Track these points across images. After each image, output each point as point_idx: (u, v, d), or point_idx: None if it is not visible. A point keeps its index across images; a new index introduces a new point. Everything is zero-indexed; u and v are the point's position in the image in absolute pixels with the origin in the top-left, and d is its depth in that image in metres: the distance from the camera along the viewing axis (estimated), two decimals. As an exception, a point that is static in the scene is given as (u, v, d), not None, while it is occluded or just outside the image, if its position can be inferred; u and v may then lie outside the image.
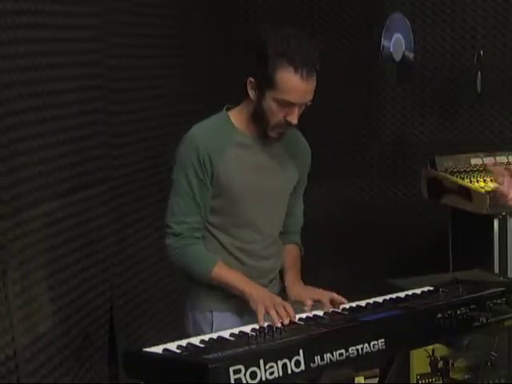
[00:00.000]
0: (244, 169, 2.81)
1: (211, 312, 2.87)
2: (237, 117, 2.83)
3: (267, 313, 2.63)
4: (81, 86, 3.46)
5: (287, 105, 2.68)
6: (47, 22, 3.14)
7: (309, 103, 2.74)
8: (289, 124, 2.72)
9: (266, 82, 2.67)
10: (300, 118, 2.74)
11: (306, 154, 2.98)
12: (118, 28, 3.82)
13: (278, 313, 2.62)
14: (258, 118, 2.74)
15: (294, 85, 2.66)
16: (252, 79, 2.73)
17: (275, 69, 2.65)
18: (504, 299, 2.95)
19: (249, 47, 2.79)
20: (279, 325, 2.59)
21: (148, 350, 2.46)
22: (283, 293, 2.92)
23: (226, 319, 2.84)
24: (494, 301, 2.92)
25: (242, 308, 2.81)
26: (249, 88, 2.74)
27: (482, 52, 4.95)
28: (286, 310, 2.63)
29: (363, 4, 5.04)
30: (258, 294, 2.71)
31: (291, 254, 3.01)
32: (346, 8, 5.04)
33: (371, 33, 5.05)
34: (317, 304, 2.79)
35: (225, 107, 2.87)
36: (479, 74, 4.89)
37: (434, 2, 5.01)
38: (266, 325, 2.61)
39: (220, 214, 2.83)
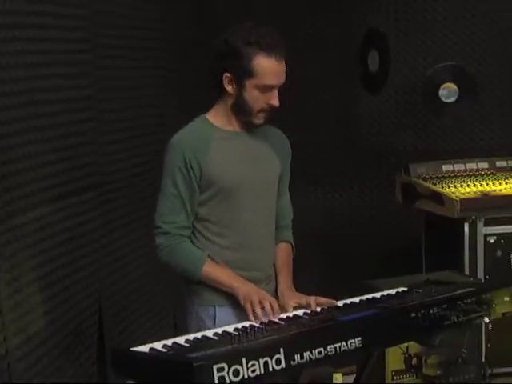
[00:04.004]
0: (230, 159, 2.83)
1: (214, 307, 2.86)
2: (214, 117, 2.87)
3: (253, 309, 2.63)
4: (71, 96, 3.46)
5: (267, 89, 2.74)
6: (38, 34, 3.13)
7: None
8: (272, 106, 2.77)
9: (244, 73, 2.72)
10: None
11: (285, 144, 3.00)
12: (106, 40, 3.82)
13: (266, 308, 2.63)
14: (241, 109, 2.78)
15: (270, 68, 2.72)
16: (228, 74, 2.75)
17: (250, 58, 2.70)
18: (474, 299, 2.95)
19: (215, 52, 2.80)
20: (265, 320, 2.60)
21: (135, 349, 2.45)
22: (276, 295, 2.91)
23: (228, 313, 2.83)
24: (465, 300, 2.91)
25: None
26: (225, 84, 2.77)
27: (450, 63, 4.99)
28: (271, 306, 2.64)
29: (344, 18, 5.04)
30: (245, 290, 2.71)
31: (283, 254, 3.00)
32: (328, 21, 5.03)
33: (350, 45, 5.05)
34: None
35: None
36: (444, 84, 4.93)
37: (408, 18, 5.03)
38: (248, 324, 2.62)
39: (213, 205, 2.83)
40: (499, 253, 4.34)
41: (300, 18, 4.97)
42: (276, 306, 2.65)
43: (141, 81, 4.23)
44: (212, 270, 2.79)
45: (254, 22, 2.78)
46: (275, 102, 2.76)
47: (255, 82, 2.72)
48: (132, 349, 2.45)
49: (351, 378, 3.01)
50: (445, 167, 4.76)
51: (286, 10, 4.90)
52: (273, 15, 4.65)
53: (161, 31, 4.47)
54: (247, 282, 2.78)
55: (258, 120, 2.81)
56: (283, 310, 2.76)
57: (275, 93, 2.75)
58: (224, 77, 2.76)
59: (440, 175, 4.69)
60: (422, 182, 4.61)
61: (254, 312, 2.65)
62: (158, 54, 4.47)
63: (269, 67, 2.72)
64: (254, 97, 2.74)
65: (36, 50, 3.10)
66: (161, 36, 4.46)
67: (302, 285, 2.92)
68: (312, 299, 2.78)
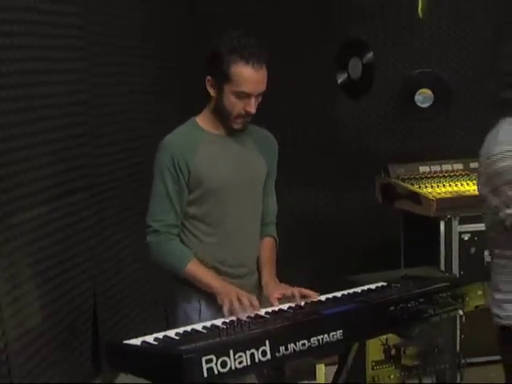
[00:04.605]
0: (218, 161, 2.83)
1: (199, 302, 2.85)
2: (203, 120, 2.87)
3: (230, 305, 2.63)
4: (67, 101, 3.45)
5: (244, 96, 2.73)
6: (36, 42, 3.12)
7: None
8: (248, 114, 2.77)
9: (223, 78, 2.73)
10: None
11: (272, 144, 3.00)
12: (101, 48, 3.81)
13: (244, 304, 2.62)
14: (221, 112, 2.79)
15: (248, 75, 2.72)
16: (210, 77, 2.78)
17: (229, 64, 2.71)
18: (449, 293, 2.96)
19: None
20: (243, 315, 2.59)
21: (128, 342, 2.44)
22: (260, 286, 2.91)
23: (212, 308, 2.81)
24: (441, 294, 2.92)
25: None
26: (208, 86, 2.79)
27: (425, 70, 5.01)
28: (250, 302, 2.63)
29: (328, 27, 5.03)
30: (225, 290, 2.70)
31: (267, 248, 2.98)
32: (313, 31, 5.03)
33: (333, 53, 5.05)
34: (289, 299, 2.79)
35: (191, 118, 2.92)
36: (420, 90, 4.95)
37: (388, 27, 5.04)
38: (234, 318, 2.61)
39: (201, 205, 2.83)
40: (473, 249, 4.35)
41: (286, 29, 4.95)
42: (255, 302, 2.65)
43: (133, 87, 4.23)
44: (195, 269, 2.78)
45: (241, 32, 2.77)
46: (251, 109, 2.75)
47: (232, 87, 2.73)
48: (125, 342, 2.45)
49: (333, 368, 3.01)
50: (422, 168, 4.77)
51: (272, 20, 4.89)
52: (259, 24, 4.63)
53: (151, 40, 4.46)
54: (227, 283, 2.77)
55: (237, 125, 2.81)
56: (268, 300, 2.77)
57: (252, 100, 2.74)
58: (207, 80, 2.78)
59: (417, 176, 4.70)
60: (401, 182, 4.61)
61: (229, 308, 2.64)
62: (149, 61, 4.46)
63: (246, 75, 2.72)
64: (231, 102, 2.75)
65: (34, 57, 3.10)
66: (152, 44, 4.46)
67: (288, 279, 2.91)
68: (296, 290, 2.78)
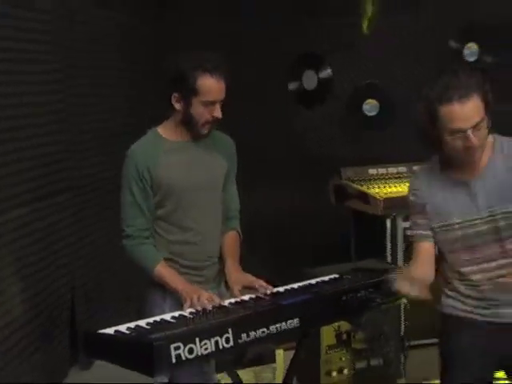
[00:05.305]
0: (178, 166, 2.82)
1: (165, 299, 2.83)
2: (164, 130, 2.87)
3: (191, 302, 2.64)
4: (47, 110, 3.42)
5: (210, 104, 2.76)
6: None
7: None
8: (216, 119, 2.79)
9: (191, 92, 2.74)
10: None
11: (229, 145, 3.00)
12: (76, 61, 3.78)
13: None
14: (189, 123, 2.80)
15: (212, 86, 2.75)
16: (176, 94, 2.77)
17: (195, 79, 2.73)
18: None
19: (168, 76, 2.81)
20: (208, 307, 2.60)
21: (102, 331, 2.42)
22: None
23: (176, 304, 2.79)
24: (388, 284, 2.94)
25: None
26: (174, 102, 2.79)
27: (372, 82, 5.04)
28: (211, 299, 2.64)
29: (285, 42, 5.03)
30: (188, 292, 2.70)
31: (231, 241, 2.98)
32: (272, 44, 5.02)
33: (292, 67, 5.07)
34: (248, 290, 2.79)
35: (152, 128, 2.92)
36: (367, 100, 4.98)
37: (341, 42, 5.05)
38: (200, 308, 2.61)
39: (165, 206, 2.82)
40: (416, 244, 4.38)
41: (245, 45, 4.95)
42: (216, 300, 2.65)
43: (109, 96, 4.20)
44: (164, 271, 2.79)
45: (199, 50, 2.79)
46: (218, 114, 2.79)
47: (200, 98, 2.75)
48: (99, 331, 2.42)
49: (291, 353, 3.01)
50: (370, 171, 4.79)
51: (233, 36, 4.88)
52: (220, 39, 4.62)
53: (126, 49, 4.44)
54: (191, 285, 2.77)
55: (204, 130, 2.83)
56: (231, 290, 2.79)
57: (217, 106, 2.79)
58: (173, 97, 2.78)
59: (366, 178, 4.72)
60: (351, 183, 4.63)
61: (189, 306, 2.64)
62: (125, 70, 4.43)
63: (211, 86, 2.75)
64: (199, 112, 2.77)
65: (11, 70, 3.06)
66: (128, 52, 4.43)
67: (249, 271, 2.90)
68: (255, 281, 2.79)
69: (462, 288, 2.66)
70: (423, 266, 2.67)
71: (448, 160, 2.59)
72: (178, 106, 2.79)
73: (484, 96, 2.46)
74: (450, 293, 2.71)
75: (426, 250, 2.67)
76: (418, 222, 2.68)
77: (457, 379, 2.63)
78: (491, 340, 2.59)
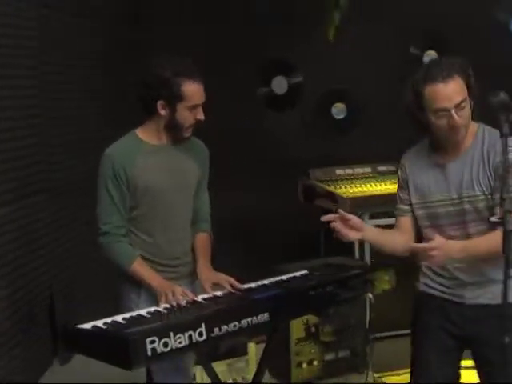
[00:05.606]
0: (154, 168, 2.82)
1: (140, 295, 2.83)
2: (143, 133, 2.86)
3: (165, 297, 2.64)
4: (21, 115, 3.38)
5: (194, 108, 2.78)
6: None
7: None
8: (198, 121, 2.80)
9: (176, 98, 2.74)
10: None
11: (203, 152, 3.01)
12: (51, 68, 3.75)
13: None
14: (175, 127, 2.80)
15: (195, 90, 2.77)
16: (161, 102, 2.76)
17: (179, 86, 2.73)
18: (360, 279, 3.00)
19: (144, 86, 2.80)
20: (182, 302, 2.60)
21: (80, 326, 2.41)
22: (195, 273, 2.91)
23: (150, 300, 2.79)
24: (354, 280, 2.97)
25: None
26: (160, 109, 2.78)
27: (340, 86, 5.06)
28: (184, 294, 2.64)
29: (253, 48, 5.03)
30: (162, 287, 2.70)
31: (202, 242, 2.98)
32: (245, 52, 5.02)
33: (263, 73, 5.07)
34: (219, 287, 2.80)
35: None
36: (335, 104, 5.01)
37: (310, 48, 5.06)
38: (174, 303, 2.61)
39: (140, 207, 2.82)
40: (381, 240, 4.40)
41: (215, 51, 4.93)
42: (190, 295, 2.66)
43: (81, 100, 4.16)
44: (139, 268, 2.79)
45: (172, 55, 2.78)
46: (201, 116, 2.80)
47: (185, 104, 2.75)
48: (78, 326, 2.41)
49: (262, 345, 3.02)
50: (337, 171, 4.82)
51: (204, 42, 4.86)
52: (192, 46, 4.60)
53: (97, 57, 4.41)
54: (165, 281, 2.77)
55: (188, 133, 2.84)
56: (203, 287, 2.79)
57: (200, 109, 2.80)
58: (158, 104, 2.76)
59: (334, 178, 4.75)
60: (319, 183, 4.66)
61: (164, 302, 2.64)
62: (97, 76, 4.40)
63: (194, 90, 2.76)
64: (184, 116, 2.77)
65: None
66: (97, 62, 4.40)
67: (221, 269, 2.91)
68: (224, 279, 2.80)
69: (433, 267, 2.70)
70: (403, 235, 2.73)
71: (435, 142, 2.65)
72: (163, 112, 2.78)
73: (467, 79, 2.52)
74: (424, 270, 2.76)
75: (404, 223, 2.75)
76: (400, 196, 2.77)
77: (423, 356, 2.66)
78: (456, 319, 2.63)
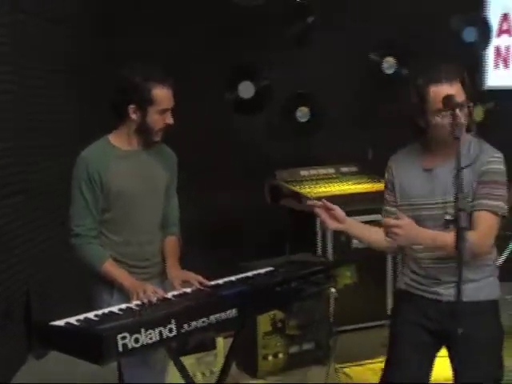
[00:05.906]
0: (125, 173, 2.81)
1: (112, 294, 2.82)
2: (115, 138, 2.85)
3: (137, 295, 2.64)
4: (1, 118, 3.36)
5: (164, 112, 2.77)
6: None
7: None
8: (168, 125, 2.80)
9: (147, 102, 2.74)
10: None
11: (171, 159, 3.00)
12: (29, 72, 3.71)
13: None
14: (145, 131, 2.79)
15: (165, 95, 2.77)
16: (132, 106, 2.76)
17: (150, 90, 2.73)
18: (324, 274, 3.01)
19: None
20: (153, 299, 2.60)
21: (53, 323, 2.39)
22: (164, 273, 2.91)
23: (122, 299, 2.77)
24: (318, 275, 2.97)
25: None
26: (131, 113, 2.77)
27: (304, 91, 5.08)
28: (155, 292, 2.64)
29: (223, 53, 5.03)
30: (134, 287, 2.70)
31: (171, 245, 2.97)
32: (211, 57, 5.01)
33: (230, 77, 5.05)
34: (188, 284, 2.80)
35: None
36: (299, 108, 5.02)
37: (275, 53, 5.07)
38: (145, 301, 2.60)
39: (111, 210, 2.81)
40: (343, 238, 4.42)
41: (184, 56, 4.92)
42: (160, 293, 2.66)
43: (59, 106, 4.14)
44: (111, 269, 2.78)
45: (137, 61, 2.78)
46: (170, 120, 2.79)
47: (156, 107, 2.75)
48: (51, 323, 2.39)
49: (230, 340, 3.03)
50: (302, 172, 4.85)
51: (170, 48, 4.84)
52: (157, 52, 4.57)
53: (71, 64, 4.38)
54: (136, 280, 2.76)
55: (157, 137, 2.83)
56: (172, 285, 2.79)
57: (169, 113, 2.79)
58: (130, 108, 2.76)
59: (298, 179, 4.77)
60: (285, 184, 4.68)
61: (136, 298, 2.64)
62: (73, 81, 4.38)
63: (164, 95, 2.76)
64: (155, 120, 2.76)
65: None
66: (71, 68, 4.37)
67: (190, 268, 2.91)
68: (192, 277, 2.80)
69: (411, 264, 2.71)
70: None
71: (428, 145, 2.65)
72: (134, 116, 2.77)
73: (463, 83, 2.56)
74: (404, 268, 2.77)
75: None
76: (387, 197, 2.78)
77: (399, 353, 2.67)
78: (433, 315, 2.63)
